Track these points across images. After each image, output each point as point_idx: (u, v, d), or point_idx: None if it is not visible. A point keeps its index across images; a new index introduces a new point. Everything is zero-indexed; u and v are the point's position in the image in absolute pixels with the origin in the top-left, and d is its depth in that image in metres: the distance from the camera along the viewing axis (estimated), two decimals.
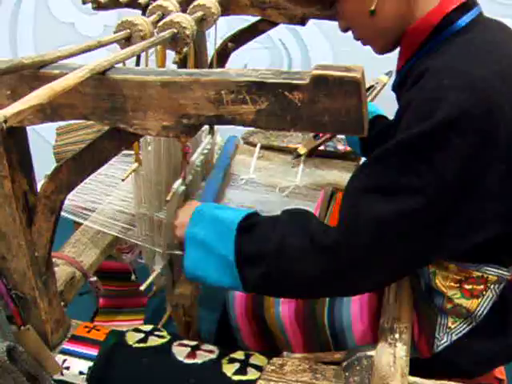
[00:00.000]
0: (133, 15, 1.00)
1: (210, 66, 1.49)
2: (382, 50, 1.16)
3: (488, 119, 0.90)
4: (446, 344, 1.11)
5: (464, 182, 0.92)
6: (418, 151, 0.91)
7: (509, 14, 1.85)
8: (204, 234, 1.07)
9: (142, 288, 1.30)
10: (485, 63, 0.94)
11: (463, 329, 1.11)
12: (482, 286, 1.08)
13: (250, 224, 1.05)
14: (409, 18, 1.07)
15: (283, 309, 1.24)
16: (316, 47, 2.31)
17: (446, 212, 0.94)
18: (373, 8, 1.05)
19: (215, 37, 1.29)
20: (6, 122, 0.58)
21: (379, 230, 0.93)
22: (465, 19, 1.03)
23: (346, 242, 0.96)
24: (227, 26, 1.73)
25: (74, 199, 1.38)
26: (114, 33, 0.96)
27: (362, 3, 1.07)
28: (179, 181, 1.29)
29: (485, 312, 1.10)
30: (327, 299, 1.24)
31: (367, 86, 1.65)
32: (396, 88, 1.18)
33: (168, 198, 1.25)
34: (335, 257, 0.97)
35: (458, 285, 1.08)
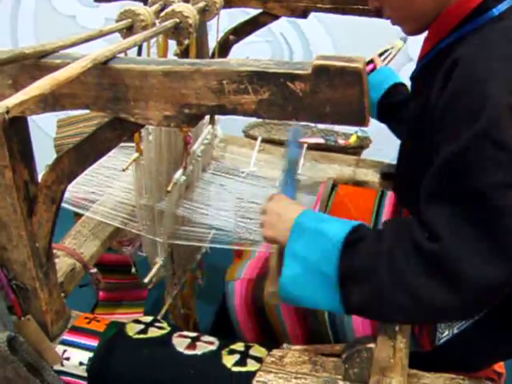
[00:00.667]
0: (133, 6, 1.00)
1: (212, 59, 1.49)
2: (413, 31, 1.14)
3: None
4: (447, 337, 1.11)
5: None
6: (496, 143, 0.86)
7: None
8: (306, 250, 0.98)
9: (146, 280, 1.30)
10: None
11: (465, 322, 1.11)
12: None
13: (355, 238, 0.96)
14: (445, 3, 1.04)
15: (283, 304, 1.24)
16: (317, 41, 2.31)
17: None
18: None
19: (217, 29, 1.29)
20: (8, 112, 0.58)
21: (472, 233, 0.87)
22: (500, 7, 1.01)
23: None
24: (228, 18, 1.72)
25: (74, 190, 1.38)
26: (116, 22, 0.95)
27: None
28: (180, 171, 1.29)
29: None
30: None
31: (382, 50, 1.65)
32: (419, 73, 1.16)
33: (169, 189, 1.25)
34: (440, 264, 0.88)
35: None
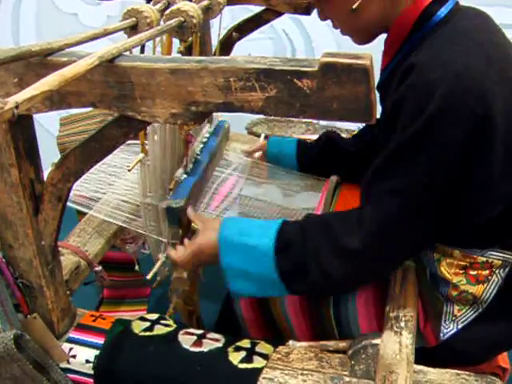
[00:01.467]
0: (137, 5, 0.99)
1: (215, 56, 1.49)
2: (361, 42, 1.17)
3: (480, 104, 0.92)
4: (452, 332, 1.12)
5: (466, 167, 0.95)
6: (418, 148, 0.95)
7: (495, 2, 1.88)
8: (241, 264, 1.08)
9: (149, 277, 1.30)
10: (468, 50, 0.96)
11: (469, 316, 1.12)
12: (487, 271, 1.09)
13: (284, 243, 1.06)
14: (391, 15, 1.08)
15: (288, 298, 1.24)
16: (319, 38, 2.30)
17: (451, 199, 0.98)
18: (354, 7, 1.06)
19: (220, 27, 1.29)
20: (17, 107, 0.58)
21: (391, 229, 1.02)
22: (443, 11, 1.04)
23: (368, 246, 1.02)
24: (231, 16, 1.73)
25: (77, 189, 1.37)
26: (121, 21, 0.95)
27: (345, 2, 1.07)
28: (181, 169, 1.29)
29: (490, 297, 1.10)
30: None
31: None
32: (381, 87, 1.18)
33: (171, 187, 1.25)
34: (361, 258, 1.04)
35: (463, 271, 1.09)
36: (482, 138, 0.94)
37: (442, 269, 1.10)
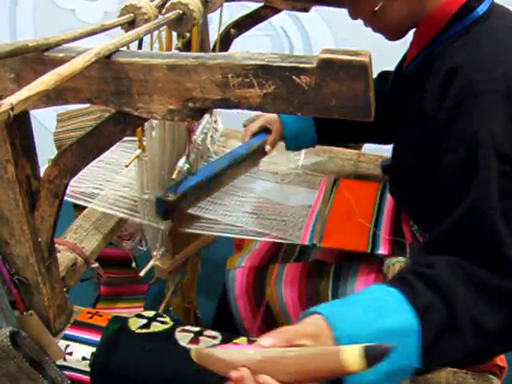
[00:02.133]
0: (135, 1, 0.99)
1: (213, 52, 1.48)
2: (393, 38, 1.17)
3: None
4: None
5: None
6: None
7: None
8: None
9: (142, 274, 1.30)
10: None
11: None
12: None
13: (423, 308, 0.83)
14: (420, 11, 1.07)
15: (286, 294, 1.24)
16: (317, 34, 2.30)
17: None
18: (376, 9, 1.06)
19: (219, 22, 1.29)
20: (12, 109, 0.57)
21: None
22: (482, 7, 1.03)
23: None
24: (229, 12, 1.71)
25: (74, 185, 1.37)
26: (118, 17, 0.95)
27: (368, 5, 1.07)
28: (183, 159, 1.28)
29: None
30: (331, 281, 1.24)
31: None
32: (408, 77, 1.18)
33: (174, 177, 1.24)
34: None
35: None
36: None
37: None
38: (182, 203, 1.29)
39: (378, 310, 0.82)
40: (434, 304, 0.83)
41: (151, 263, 1.33)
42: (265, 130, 1.47)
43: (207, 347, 0.89)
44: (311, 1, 1.38)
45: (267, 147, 1.44)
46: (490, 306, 0.86)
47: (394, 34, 1.15)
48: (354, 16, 1.16)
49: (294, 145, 1.49)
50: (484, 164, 0.89)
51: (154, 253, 1.38)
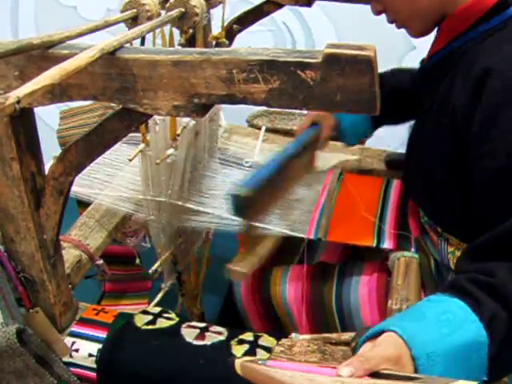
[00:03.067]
0: None
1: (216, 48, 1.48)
2: (418, 33, 1.13)
3: None
4: None
5: None
6: None
7: None
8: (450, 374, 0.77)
9: (151, 271, 1.29)
10: None
11: None
12: None
13: (489, 318, 0.81)
14: (452, 2, 1.04)
15: (290, 292, 1.24)
16: (320, 30, 2.30)
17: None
18: None
19: (222, 18, 1.28)
20: (18, 102, 0.57)
21: None
22: None
23: None
24: (231, 8, 1.71)
25: (78, 182, 1.37)
26: (121, 12, 0.95)
27: None
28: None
29: None
30: (334, 282, 1.24)
31: None
32: (431, 68, 1.16)
33: (178, 132, 1.22)
34: None
35: None
36: None
37: (455, 261, 1.09)
38: (260, 198, 1.18)
39: (449, 323, 0.80)
40: (498, 313, 0.81)
41: (231, 268, 1.22)
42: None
43: (257, 360, 0.76)
44: None
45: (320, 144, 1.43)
46: None
47: (422, 25, 1.10)
48: (379, 8, 1.11)
49: (351, 135, 1.48)
50: None
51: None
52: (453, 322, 0.80)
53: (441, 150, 1.06)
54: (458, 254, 1.08)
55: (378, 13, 1.13)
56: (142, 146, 1.21)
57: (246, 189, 1.10)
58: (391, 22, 1.13)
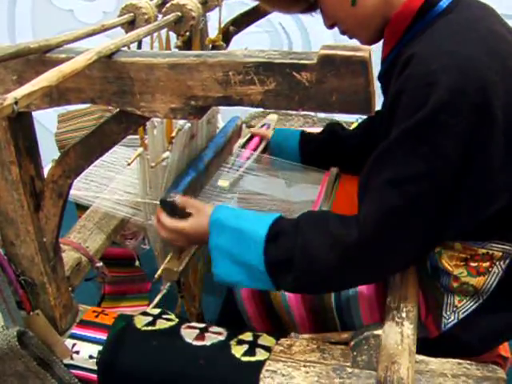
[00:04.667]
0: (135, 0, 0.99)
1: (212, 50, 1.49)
2: (367, 41, 1.15)
3: (481, 96, 0.92)
4: (453, 322, 1.12)
5: (466, 158, 0.95)
6: (419, 138, 0.94)
7: None
8: (230, 245, 1.06)
9: (156, 276, 1.29)
10: (471, 41, 0.96)
11: (470, 307, 1.12)
12: (487, 263, 1.09)
13: (275, 232, 1.04)
14: (391, 5, 1.07)
15: (290, 295, 1.25)
16: (316, 31, 2.30)
17: (452, 191, 0.97)
18: None
19: (219, 21, 1.29)
20: (16, 103, 0.58)
21: (390, 221, 0.99)
22: (445, 1, 1.04)
23: (366, 238, 1.00)
24: (227, 10, 1.72)
25: (77, 185, 1.37)
26: (118, 16, 0.95)
27: None
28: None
29: (491, 288, 1.10)
30: None
31: (261, 124, 1.82)
32: (382, 77, 1.18)
33: (173, 135, 1.24)
34: (359, 252, 1.01)
35: (463, 263, 1.09)
36: (482, 129, 0.94)
37: (443, 261, 1.10)
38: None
39: (252, 217, 1.09)
40: (285, 233, 1.03)
41: (161, 268, 1.30)
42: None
43: None
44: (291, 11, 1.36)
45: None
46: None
47: (369, 33, 1.14)
48: (329, 20, 1.15)
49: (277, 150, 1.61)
50: None
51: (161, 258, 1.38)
52: (248, 218, 1.08)
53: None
54: (445, 253, 1.10)
55: (330, 26, 1.17)
56: (140, 149, 1.22)
57: (173, 194, 1.21)
58: (343, 33, 1.17)
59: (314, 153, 1.56)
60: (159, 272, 1.26)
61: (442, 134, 0.93)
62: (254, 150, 1.58)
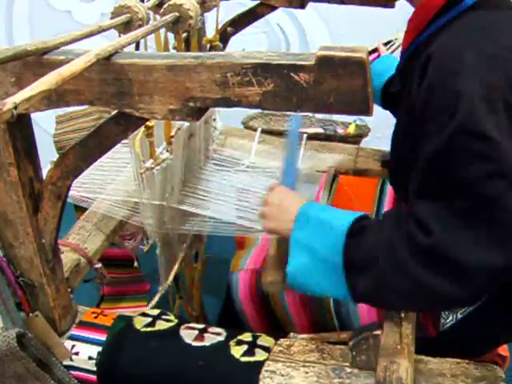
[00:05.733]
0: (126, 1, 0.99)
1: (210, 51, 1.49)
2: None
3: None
4: (451, 323, 1.12)
5: None
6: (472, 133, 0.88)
7: None
8: (311, 239, 1.00)
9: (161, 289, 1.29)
10: (495, 39, 0.94)
11: (468, 307, 1.12)
12: None
13: (359, 229, 0.98)
14: None
15: (288, 292, 1.25)
16: (314, 31, 2.30)
17: None
18: None
19: (216, 21, 1.29)
20: (16, 108, 0.58)
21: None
22: None
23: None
24: (225, 11, 1.72)
25: (75, 187, 1.37)
26: (111, 18, 0.95)
27: None
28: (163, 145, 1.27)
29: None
30: None
31: (387, 40, 1.68)
32: (402, 69, 1.17)
33: (172, 134, 1.24)
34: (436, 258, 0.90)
35: None
36: None
37: None
38: None
39: (333, 212, 1.04)
40: (369, 228, 0.97)
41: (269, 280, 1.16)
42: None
43: None
44: None
45: None
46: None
47: None
48: None
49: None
50: None
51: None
52: (333, 213, 1.03)
53: (410, 142, 1.06)
54: None
55: None
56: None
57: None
58: None
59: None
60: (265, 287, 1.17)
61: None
62: None
